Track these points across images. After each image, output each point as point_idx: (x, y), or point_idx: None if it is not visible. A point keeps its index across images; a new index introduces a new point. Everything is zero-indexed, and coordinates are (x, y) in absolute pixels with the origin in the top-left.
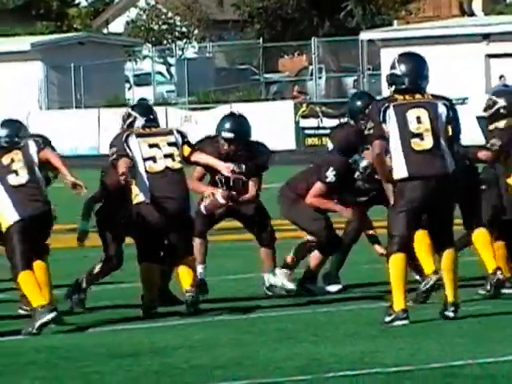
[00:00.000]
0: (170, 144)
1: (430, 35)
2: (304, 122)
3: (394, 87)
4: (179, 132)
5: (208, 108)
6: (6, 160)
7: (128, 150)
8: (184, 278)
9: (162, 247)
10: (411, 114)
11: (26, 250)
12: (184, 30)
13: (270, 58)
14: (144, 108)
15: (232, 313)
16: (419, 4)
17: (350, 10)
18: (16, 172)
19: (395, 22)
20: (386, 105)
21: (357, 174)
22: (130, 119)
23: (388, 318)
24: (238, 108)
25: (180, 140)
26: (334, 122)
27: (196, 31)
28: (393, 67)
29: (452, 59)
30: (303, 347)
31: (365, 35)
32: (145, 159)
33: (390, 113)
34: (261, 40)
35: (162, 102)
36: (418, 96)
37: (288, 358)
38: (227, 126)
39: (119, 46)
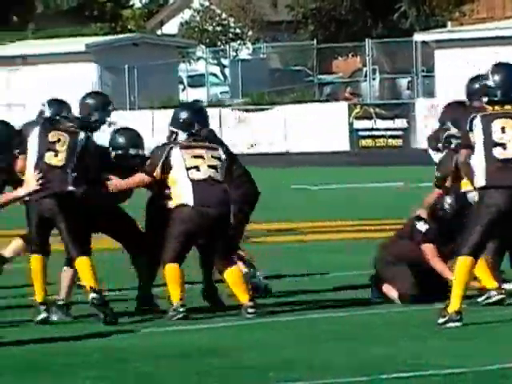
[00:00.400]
0: (214, 157)
1: (483, 37)
2: (358, 124)
3: (486, 99)
4: (226, 152)
5: (262, 109)
6: (52, 137)
7: (165, 166)
8: (239, 293)
9: (188, 251)
10: (496, 124)
11: (39, 233)
12: (238, 31)
13: (324, 59)
14: (185, 124)
15: (285, 314)
16: (473, 5)
17: (404, 12)
18: (56, 152)
19: (449, 23)
20: (474, 115)
21: (446, 214)
22: (173, 136)
23: (442, 320)
24: (292, 109)
25: (224, 157)
26: (388, 124)
27: (250, 32)
28: (486, 78)
29: (506, 61)
30: (357, 349)
31: (419, 36)
32: (188, 168)
33: (477, 122)
34: (315, 41)
35: (215, 104)
36: (507, 107)
37: (342, 360)
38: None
39: (173, 47)
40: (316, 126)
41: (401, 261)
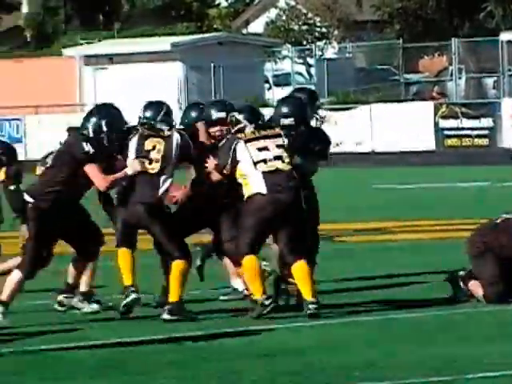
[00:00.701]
0: (278, 146)
1: None
2: (444, 123)
3: None
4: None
5: (347, 108)
6: (148, 145)
7: (232, 161)
8: (303, 287)
9: (263, 240)
10: None
11: (125, 231)
12: (324, 30)
13: (410, 58)
14: (252, 114)
15: (368, 313)
16: None
17: (490, 11)
18: (151, 161)
19: None
20: None
21: None
22: (240, 126)
23: None
24: (378, 108)
25: (287, 141)
26: (474, 123)
27: (336, 32)
28: None
29: None
30: (441, 348)
31: (505, 36)
32: (256, 162)
33: None
34: (401, 40)
35: None
36: None
37: (425, 359)
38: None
39: (259, 46)
40: (402, 126)
41: (489, 252)
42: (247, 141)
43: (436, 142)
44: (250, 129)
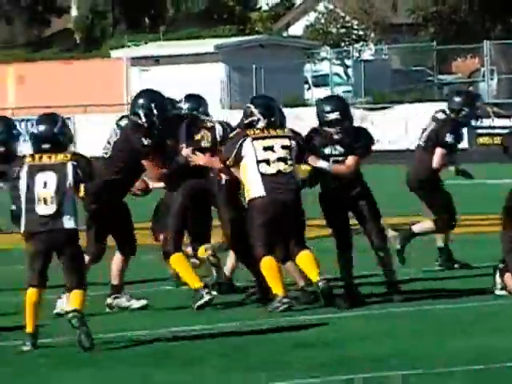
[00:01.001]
0: (283, 147)
1: None
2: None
3: None
4: (296, 135)
5: (384, 108)
6: (197, 135)
7: (236, 155)
8: (310, 271)
9: (274, 239)
10: None
11: (180, 230)
12: (361, 33)
13: (444, 60)
14: (268, 109)
15: (406, 304)
16: None
17: None
18: (202, 150)
19: None
20: None
21: None
22: (253, 118)
23: None
24: (413, 108)
25: (294, 143)
26: (505, 122)
27: (372, 34)
28: None
29: None
30: (475, 339)
31: None
32: (259, 161)
33: None
34: (434, 43)
35: None
36: None
37: (461, 351)
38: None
39: (298, 48)
40: None
41: None
42: (255, 138)
43: (468, 140)
44: (262, 124)
